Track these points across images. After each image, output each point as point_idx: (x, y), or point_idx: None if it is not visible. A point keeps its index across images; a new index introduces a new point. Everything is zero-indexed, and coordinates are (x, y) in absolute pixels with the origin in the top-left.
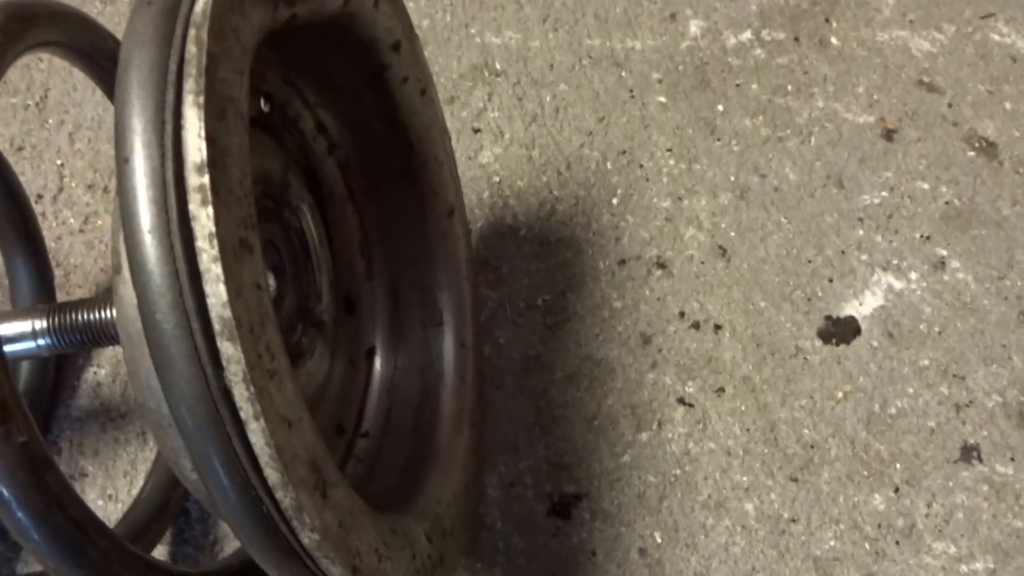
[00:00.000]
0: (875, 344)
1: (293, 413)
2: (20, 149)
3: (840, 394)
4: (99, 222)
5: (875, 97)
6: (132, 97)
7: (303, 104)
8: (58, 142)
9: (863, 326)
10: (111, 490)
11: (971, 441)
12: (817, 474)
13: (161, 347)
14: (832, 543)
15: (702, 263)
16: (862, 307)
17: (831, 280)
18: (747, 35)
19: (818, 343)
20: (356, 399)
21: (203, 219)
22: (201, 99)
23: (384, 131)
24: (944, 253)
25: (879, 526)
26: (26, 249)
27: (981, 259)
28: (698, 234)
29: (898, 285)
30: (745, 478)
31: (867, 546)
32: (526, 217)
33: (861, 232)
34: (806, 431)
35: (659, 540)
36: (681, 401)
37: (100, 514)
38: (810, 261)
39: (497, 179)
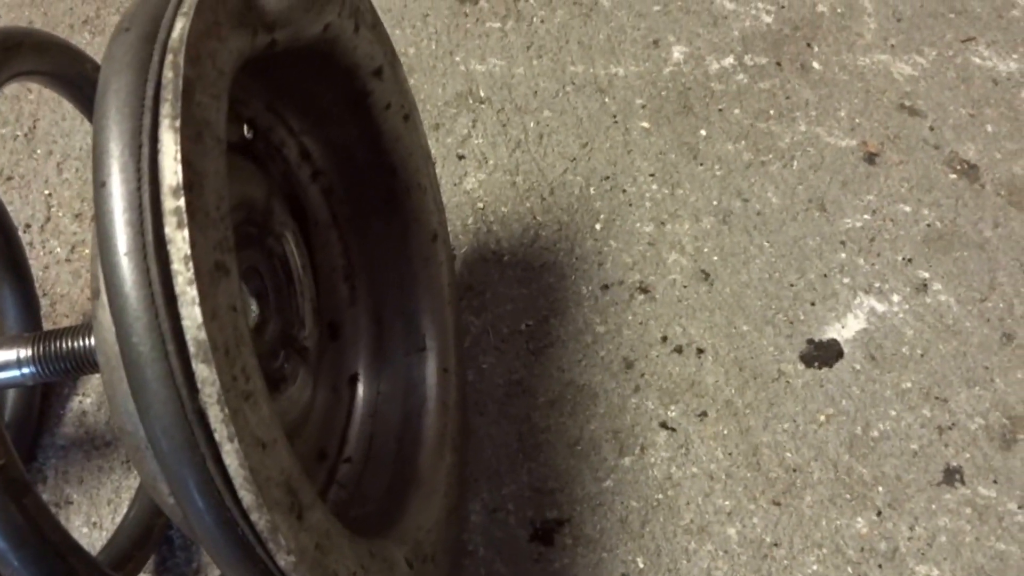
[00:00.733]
0: (857, 367)
1: (268, 435)
2: (9, 179)
3: (822, 417)
4: (86, 251)
5: (857, 121)
6: (109, 122)
7: (287, 131)
8: (46, 172)
9: (845, 349)
10: (96, 518)
11: (954, 464)
12: (800, 498)
13: (137, 369)
14: (815, 567)
15: (685, 287)
16: (844, 330)
17: (813, 303)
18: (729, 60)
19: (800, 366)
20: (339, 425)
21: (179, 242)
22: (177, 123)
23: (367, 157)
24: (926, 276)
25: (862, 550)
26: (13, 278)
27: (963, 281)
28: (681, 258)
29: (880, 308)
30: (727, 502)
31: (849, 570)
32: (510, 243)
33: (843, 255)
34: (788, 455)
35: (641, 565)
36: (664, 425)
37: (85, 542)
38: (792, 285)
39: (481, 205)
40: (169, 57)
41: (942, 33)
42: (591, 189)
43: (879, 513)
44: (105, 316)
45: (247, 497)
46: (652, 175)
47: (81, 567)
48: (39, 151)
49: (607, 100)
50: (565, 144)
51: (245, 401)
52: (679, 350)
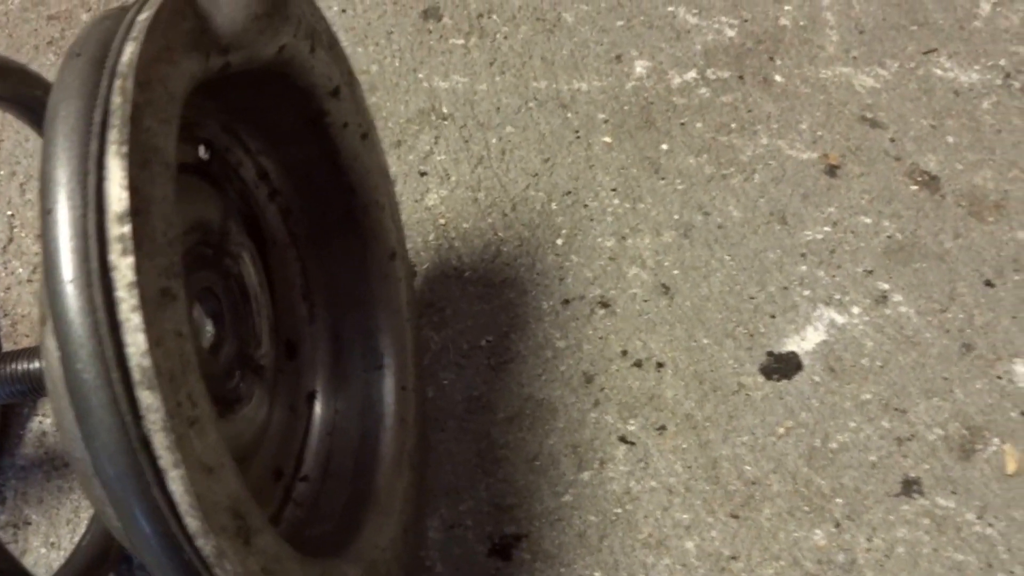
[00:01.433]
0: (817, 379)
1: (215, 460)
2: None
3: (782, 430)
4: None
5: (818, 133)
6: (57, 148)
7: (244, 151)
8: (9, 193)
9: (805, 361)
10: (54, 538)
11: (912, 475)
12: (758, 510)
13: (82, 397)
14: None
15: (645, 301)
16: (804, 342)
17: (773, 316)
18: (692, 74)
19: (760, 379)
20: (296, 443)
21: (123, 268)
22: (124, 149)
23: (325, 176)
24: (886, 287)
25: (819, 562)
26: None
27: (923, 292)
28: (641, 273)
29: (840, 320)
30: (686, 516)
31: None
32: (471, 259)
33: (804, 268)
34: (747, 467)
35: None
36: (623, 440)
37: (43, 562)
38: (753, 298)
39: (443, 221)
40: (118, 82)
41: (904, 45)
42: (553, 204)
43: (837, 525)
44: (52, 342)
45: (192, 523)
46: (614, 190)
47: None
48: (2, 172)
49: (569, 115)
50: (527, 160)
51: (191, 427)
52: (639, 364)
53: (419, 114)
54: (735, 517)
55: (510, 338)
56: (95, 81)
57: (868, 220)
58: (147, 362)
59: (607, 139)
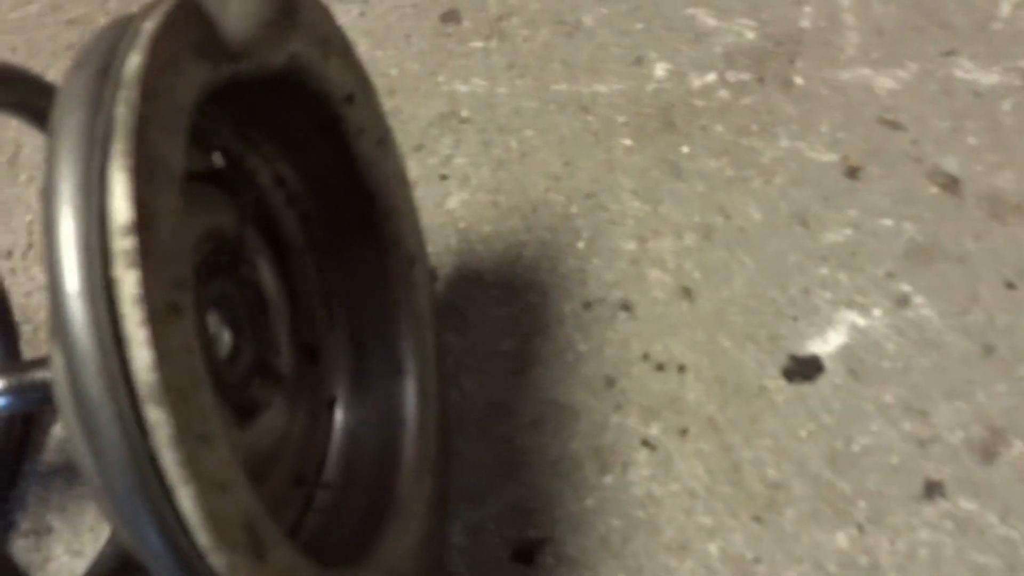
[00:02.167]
0: (838, 382)
1: (226, 476)
2: None
3: (804, 433)
4: None
5: (838, 136)
6: (60, 161)
7: (260, 158)
8: (28, 198)
9: (827, 364)
10: (77, 546)
11: (935, 477)
12: (781, 514)
13: (88, 412)
14: None
15: (666, 304)
16: (826, 345)
17: (795, 319)
18: (712, 77)
19: (782, 382)
20: (317, 450)
21: (128, 282)
22: (128, 161)
23: (342, 183)
24: (907, 289)
25: (842, 565)
26: None
27: (944, 295)
28: (663, 276)
29: (861, 322)
30: (709, 519)
31: None
32: (492, 262)
33: (825, 270)
34: (770, 470)
35: None
36: (645, 443)
37: (66, 570)
38: (774, 300)
39: (463, 225)
40: (122, 93)
41: (924, 47)
42: (573, 207)
43: (860, 528)
44: (59, 357)
45: (204, 539)
46: (634, 192)
47: None
48: (22, 177)
49: (589, 118)
50: (547, 163)
51: (201, 443)
52: (660, 367)
53: (439, 118)
54: (758, 520)
55: (532, 342)
56: (99, 92)
57: (889, 222)
58: (153, 378)
59: (627, 142)
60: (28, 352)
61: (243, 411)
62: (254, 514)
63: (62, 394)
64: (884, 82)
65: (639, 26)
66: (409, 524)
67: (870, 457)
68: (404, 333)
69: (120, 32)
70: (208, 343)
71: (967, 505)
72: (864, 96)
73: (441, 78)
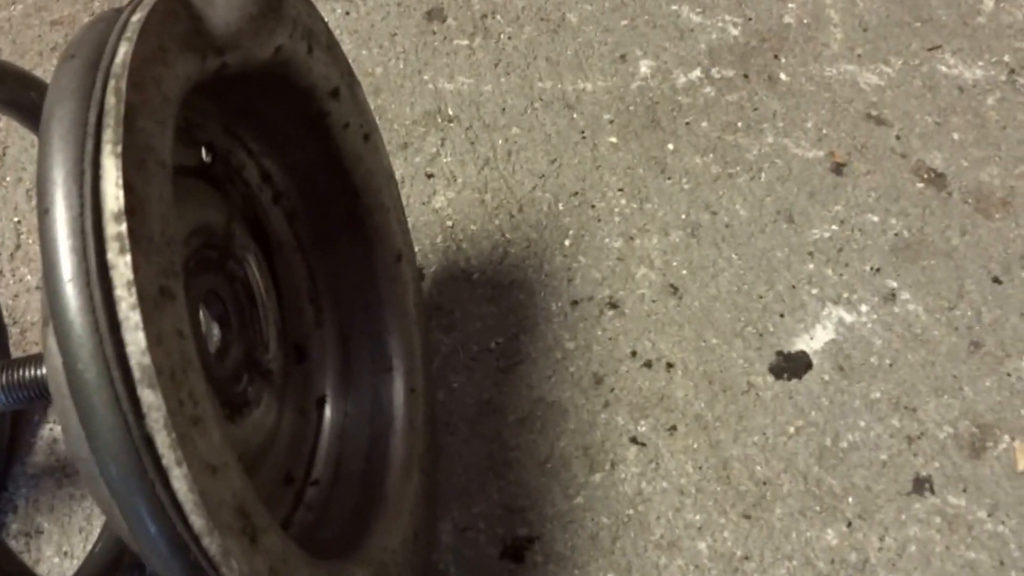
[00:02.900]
0: (826, 378)
1: (219, 459)
2: None
3: (792, 429)
4: None
5: (824, 132)
6: (53, 150)
7: (247, 153)
8: (15, 199)
9: (814, 360)
10: (67, 547)
11: (923, 473)
12: (770, 511)
13: (84, 397)
14: None
15: (654, 302)
16: (813, 341)
17: (782, 315)
18: (696, 73)
19: (770, 378)
20: (306, 448)
21: (121, 267)
22: (119, 149)
23: (329, 179)
24: (894, 285)
25: (832, 561)
26: None
27: (931, 290)
28: (650, 273)
29: (849, 318)
30: (698, 517)
31: None
32: (479, 260)
33: (811, 266)
34: (758, 467)
35: None
36: (634, 440)
37: (56, 571)
38: (761, 297)
39: (450, 223)
40: (112, 83)
41: (908, 42)
42: (560, 205)
43: (849, 524)
44: (53, 344)
45: (198, 522)
46: (621, 190)
47: None
48: (8, 178)
49: (575, 116)
50: (534, 161)
51: (193, 426)
52: (648, 364)
53: (425, 116)
54: (747, 517)
55: (519, 340)
56: (90, 82)
57: (875, 218)
58: (147, 360)
59: (613, 139)
60: (15, 355)
61: (232, 407)
62: (246, 498)
63: (57, 380)
64: (869, 78)
65: (623, 23)
66: (398, 520)
67: (858, 453)
68: (391, 329)
69: (108, 25)
70: (199, 335)
71: (956, 501)
72: (849, 92)
73: (426, 76)
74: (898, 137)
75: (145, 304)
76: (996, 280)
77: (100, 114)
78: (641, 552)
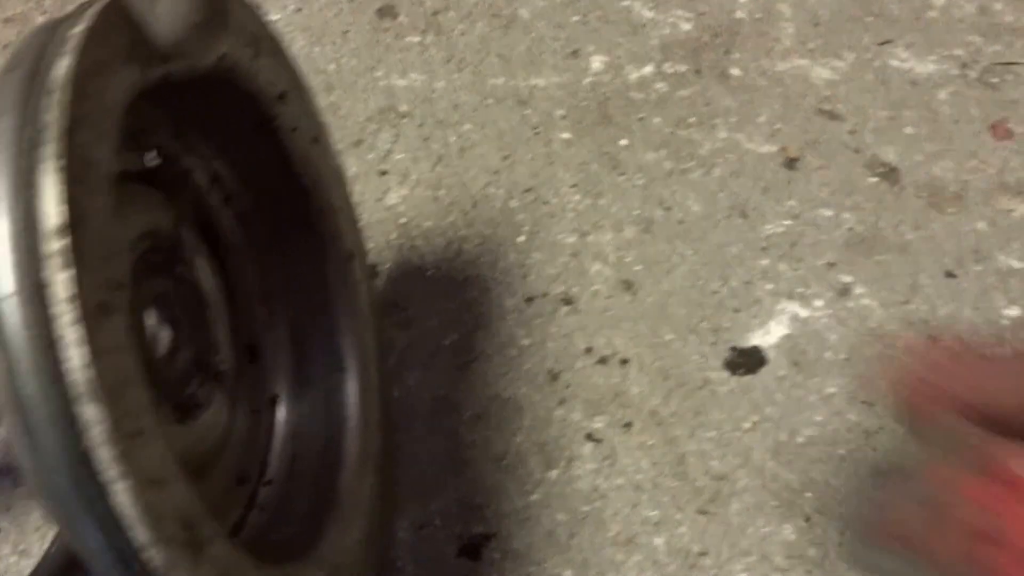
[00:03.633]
0: (781, 373)
1: (161, 472)
2: None
3: (748, 424)
4: None
5: (777, 126)
6: None
7: (196, 157)
8: None
9: (769, 355)
10: (23, 545)
11: (882, 467)
12: (726, 506)
13: (25, 411)
14: (743, 575)
15: (608, 298)
16: (768, 336)
17: (737, 310)
18: (649, 69)
19: (725, 374)
20: (259, 448)
21: (60, 284)
22: (59, 164)
23: (279, 180)
24: (848, 280)
25: (790, 556)
26: None
27: (885, 284)
28: (604, 269)
29: (803, 313)
30: (654, 512)
31: None
32: (433, 257)
33: (766, 261)
34: (714, 463)
35: None
36: (589, 437)
37: (14, 570)
38: (715, 292)
39: (404, 220)
40: (52, 97)
41: (860, 36)
42: (513, 202)
43: (808, 519)
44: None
45: (141, 535)
46: (574, 186)
47: None
48: None
49: (528, 112)
50: (487, 157)
51: (135, 440)
52: (603, 361)
53: (378, 113)
54: (703, 513)
55: (475, 336)
56: (28, 96)
57: (829, 212)
58: (86, 376)
59: (566, 135)
60: None
61: (183, 409)
62: (191, 510)
63: (1, 394)
64: (821, 72)
65: (575, 18)
66: (352, 520)
67: (816, 448)
68: (344, 329)
69: (48, 36)
70: (144, 341)
71: None
72: (801, 86)
73: (379, 73)
74: (851, 132)
75: (84, 320)
76: (950, 274)
77: (38, 128)
78: (597, 548)
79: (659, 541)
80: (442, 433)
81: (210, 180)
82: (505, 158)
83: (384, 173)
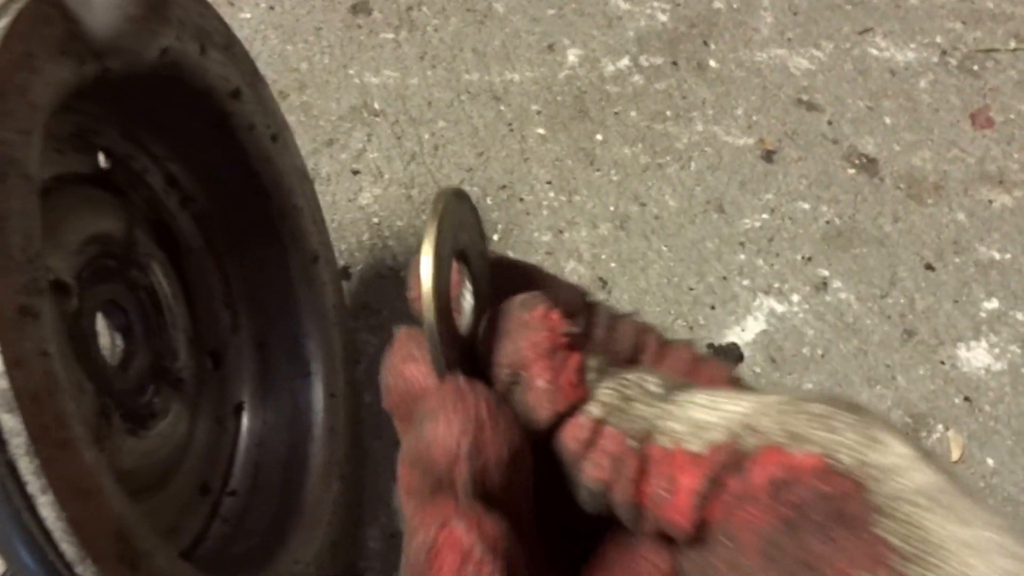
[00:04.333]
0: (758, 370)
1: (91, 483)
2: None
3: None
4: None
5: (754, 118)
6: None
7: (149, 158)
8: None
9: (746, 352)
10: None
11: None
12: None
13: None
14: None
15: None
16: (744, 333)
17: (713, 307)
18: (625, 62)
19: None
20: (223, 457)
21: None
22: None
23: (238, 181)
24: (826, 274)
25: None
26: None
27: (863, 278)
28: (579, 267)
29: (780, 309)
30: None
31: None
32: (406, 258)
33: (743, 256)
34: None
35: None
36: None
37: None
38: (692, 289)
39: (377, 220)
40: None
41: (839, 25)
42: (488, 199)
43: None
44: None
45: (69, 550)
46: (549, 183)
47: None
48: None
49: (503, 108)
50: (461, 154)
51: (60, 450)
52: None
53: (351, 111)
54: None
55: None
56: None
57: (806, 206)
58: (4, 384)
59: (541, 131)
60: None
61: (136, 418)
62: (126, 522)
63: None
64: (799, 62)
65: (551, 12)
66: (315, 530)
67: None
68: (309, 333)
69: None
70: (91, 348)
71: None
72: (779, 77)
73: (352, 71)
74: (829, 122)
75: (2, 325)
76: (929, 267)
77: None
78: None
79: None
80: None
81: (166, 182)
82: (480, 155)
83: (357, 172)
